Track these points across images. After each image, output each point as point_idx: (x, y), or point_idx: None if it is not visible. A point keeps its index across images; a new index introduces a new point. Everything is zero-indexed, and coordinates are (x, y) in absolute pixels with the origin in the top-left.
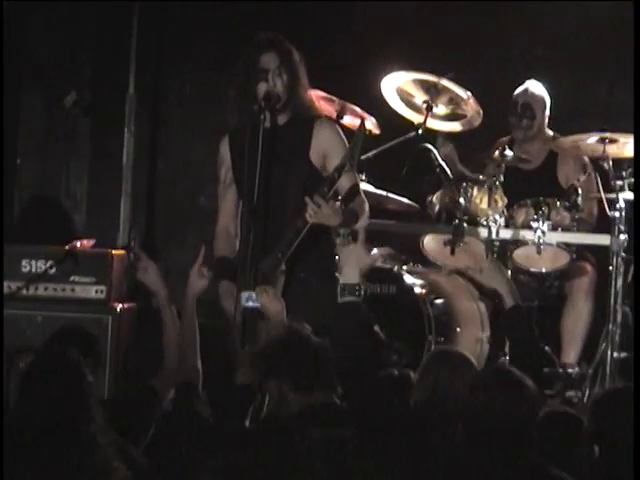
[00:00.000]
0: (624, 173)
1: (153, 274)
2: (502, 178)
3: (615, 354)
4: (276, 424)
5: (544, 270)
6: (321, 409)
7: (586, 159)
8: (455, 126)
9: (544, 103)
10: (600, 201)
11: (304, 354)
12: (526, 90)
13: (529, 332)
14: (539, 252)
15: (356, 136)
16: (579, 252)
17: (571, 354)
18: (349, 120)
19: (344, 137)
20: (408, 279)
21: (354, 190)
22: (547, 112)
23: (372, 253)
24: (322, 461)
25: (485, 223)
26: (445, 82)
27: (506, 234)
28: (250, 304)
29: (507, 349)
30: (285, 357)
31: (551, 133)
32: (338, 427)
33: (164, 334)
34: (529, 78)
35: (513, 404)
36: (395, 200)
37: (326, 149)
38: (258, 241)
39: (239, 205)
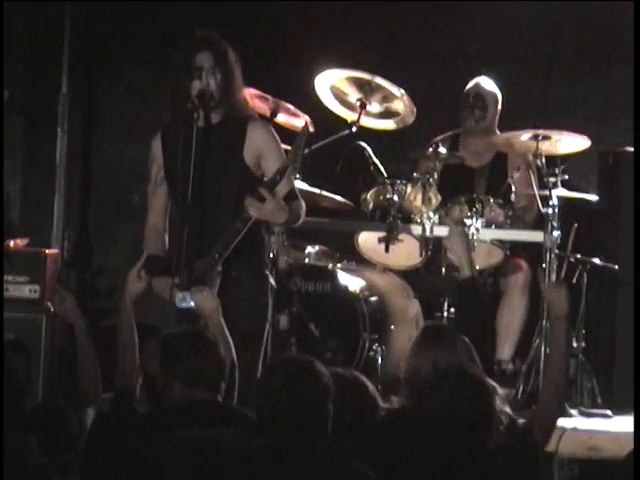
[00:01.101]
0: (557, 170)
1: (70, 305)
2: (436, 176)
3: (548, 350)
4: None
5: (478, 267)
6: (198, 406)
7: (530, 157)
8: (389, 124)
9: (496, 98)
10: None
11: (193, 348)
12: (478, 83)
13: (480, 304)
14: (473, 249)
15: (299, 138)
16: (513, 249)
17: (505, 350)
18: (283, 118)
19: (277, 137)
20: (342, 277)
21: (292, 194)
22: (499, 108)
23: (306, 251)
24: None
25: (419, 220)
26: (379, 80)
27: (441, 231)
28: (184, 305)
29: None
30: (175, 347)
31: (499, 133)
32: (218, 426)
33: (80, 361)
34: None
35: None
36: (329, 198)
37: (260, 149)
38: (191, 241)
39: (169, 204)
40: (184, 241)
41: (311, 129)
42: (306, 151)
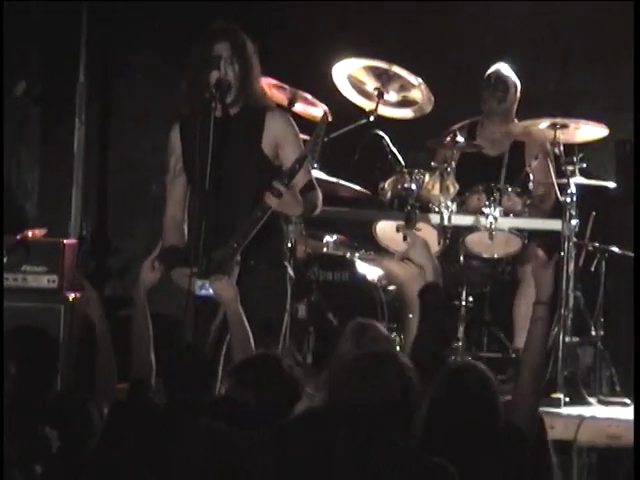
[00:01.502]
0: (575, 158)
1: (93, 305)
2: (454, 164)
3: (567, 338)
4: None
5: (496, 256)
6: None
7: (548, 146)
8: (407, 113)
9: (515, 84)
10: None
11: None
12: (499, 68)
13: (439, 315)
14: (491, 238)
15: (318, 128)
16: (531, 237)
17: (523, 339)
18: (300, 108)
19: (296, 126)
20: (360, 266)
21: (309, 184)
22: (517, 95)
23: (324, 240)
24: None
25: (437, 209)
26: (396, 68)
27: (458, 220)
28: (203, 292)
29: (460, 335)
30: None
31: (516, 121)
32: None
33: (98, 359)
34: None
35: (388, 387)
36: (347, 187)
37: (278, 139)
38: (210, 231)
39: (187, 194)
40: (202, 231)
41: (329, 118)
42: (325, 140)
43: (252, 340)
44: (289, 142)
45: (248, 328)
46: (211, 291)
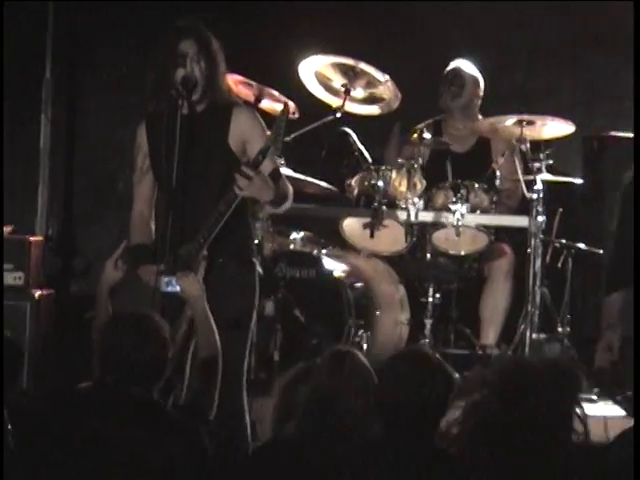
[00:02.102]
0: (541, 155)
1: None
2: (421, 161)
3: (534, 335)
4: None
5: (463, 252)
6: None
7: (514, 142)
8: (373, 109)
9: (475, 79)
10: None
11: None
12: (457, 65)
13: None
14: (458, 234)
15: (279, 119)
16: (497, 234)
17: (490, 335)
18: (268, 104)
19: (263, 122)
20: (328, 263)
21: (276, 174)
22: (479, 91)
23: (291, 237)
24: None
25: (404, 206)
26: (363, 65)
27: (425, 217)
28: (170, 289)
29: (427, 332)
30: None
31: (481, 118)
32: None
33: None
34: (447, 60)
35: (427, 387)
36: (314, 184)
37: (245, 135)
38: (177, 227)
39: (155, 192)
40: (169, 228)
41: (296, 115)
42: (291, 136)
43: (218, 337)
44: (256, 138)
45: (214, 325)
46: (177, 288)
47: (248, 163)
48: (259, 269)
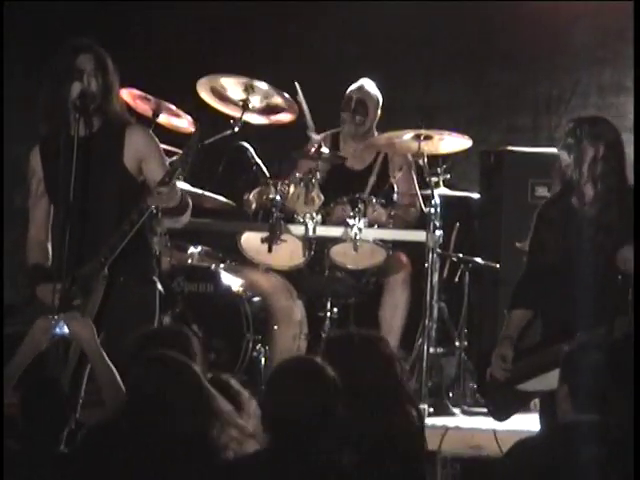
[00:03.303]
0: (439, 169)
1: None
2: (318, 176)
3: (432, 349)
4: None
5: (361, 267)
6: None
7: (409, 157)
8: (271, 120)
9: (377, 101)
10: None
11: None
12: (361, 87)
13: None
14: (356, 249)
15: (191, 140)
16: (395, 247)
17: None
18: (165, 119)
19: (157, 140)
20: (225, 277)
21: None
22: (379, 112)
23: (189, 252)
24: None
25: (302, 220)
26: (258, 83)
27: (323, 231)
28: (58, 331)
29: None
30: None
31: (377, 134)
32: None
33: None
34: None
35: (311, 394)
36: (212, 198)
37: (140, 154)
38: (74, 250)
39: (51, 215)
40: (66, 249)
41: (192, 129)
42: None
43: (117, 375)
44: (152, 156)
45: (109, 363)
46: (66, 330)
47: (159, 182)
48: (159, 287)
